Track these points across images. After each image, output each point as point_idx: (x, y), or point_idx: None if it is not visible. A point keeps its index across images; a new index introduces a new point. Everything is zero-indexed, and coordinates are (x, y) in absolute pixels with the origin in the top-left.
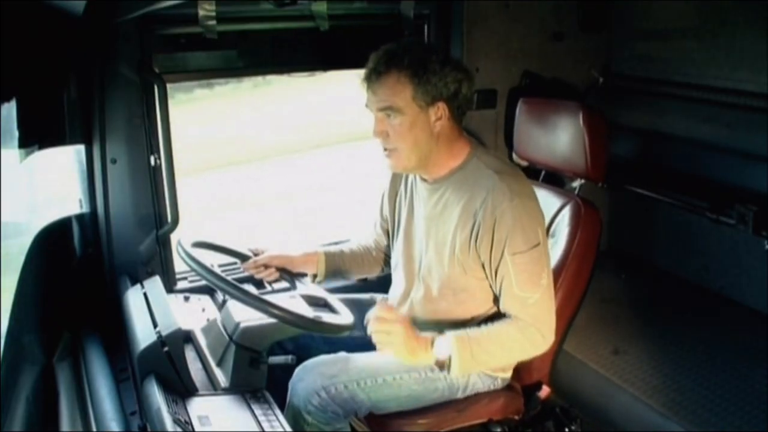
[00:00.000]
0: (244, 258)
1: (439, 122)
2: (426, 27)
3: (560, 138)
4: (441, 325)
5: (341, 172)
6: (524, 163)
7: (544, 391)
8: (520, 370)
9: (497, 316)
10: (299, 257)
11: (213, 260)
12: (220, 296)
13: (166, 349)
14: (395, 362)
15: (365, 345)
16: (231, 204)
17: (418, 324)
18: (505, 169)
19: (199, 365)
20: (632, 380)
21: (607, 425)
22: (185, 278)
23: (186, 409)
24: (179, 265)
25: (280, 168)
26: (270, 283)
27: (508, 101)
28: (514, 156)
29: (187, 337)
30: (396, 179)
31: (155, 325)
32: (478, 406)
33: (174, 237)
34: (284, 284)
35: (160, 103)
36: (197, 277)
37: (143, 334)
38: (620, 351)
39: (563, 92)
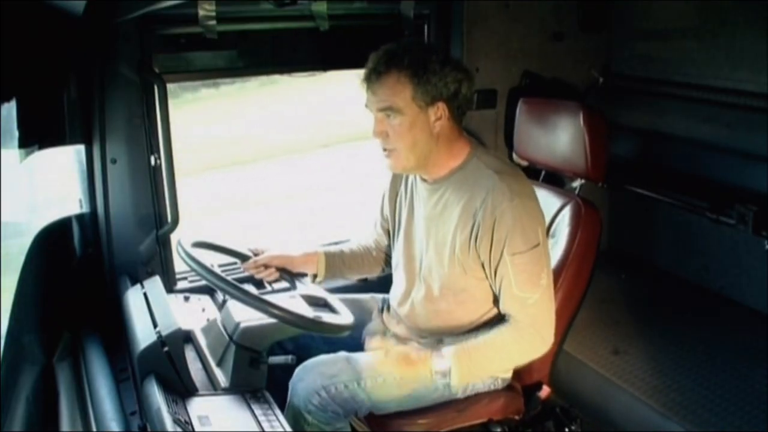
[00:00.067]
0: (244, 258)
1: (438, 122)
2: (426, 27)
3: (560, 138)
4: (442, 325)
5: (341, 172)
6: (524, 163)
7: (545, 391)
8: (520, 370)
9: (498, 316)
10: (299, 257)
11: (213, 260)
12: (220, 296)
13: (166, 349)
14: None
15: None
16: (234, 204)
17: (419, 324)
18: (505, 169)
19: (199, 365)
20: (632, 380)
21: (607, 425)
22: (185, 278)
23: (186, 409)
24: (179, 265)
25: (284, 168)
26: (270, 283)
27: (508, 101)
28: (514, 156)
29: (187, 337)
30: (396, 179)
31: (155, 325)
32: (478, 406)
33: (174, 237)
34: (284, 284)
35: (160, 103)
36: (197, 277)
37: (143, 334)
38: (620, 351)
39: (563, 92)
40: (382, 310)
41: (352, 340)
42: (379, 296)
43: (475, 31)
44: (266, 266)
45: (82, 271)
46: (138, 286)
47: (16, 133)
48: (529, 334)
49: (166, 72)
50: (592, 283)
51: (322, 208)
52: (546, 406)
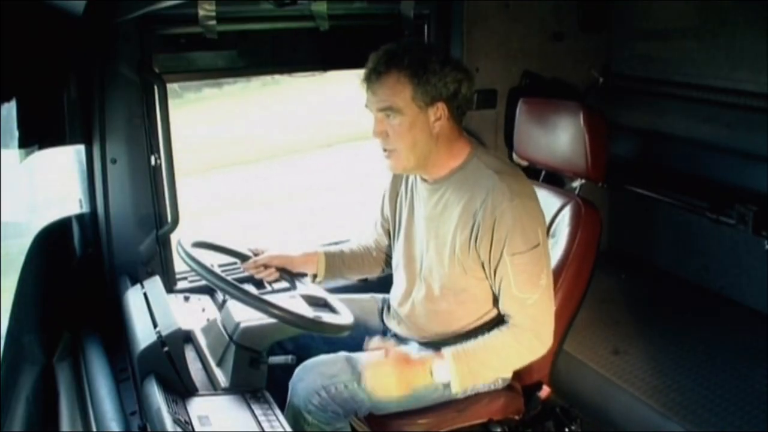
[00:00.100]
0: (244, 258)
1: (438, 122)
2: (426, 27)
3: (560, 138)
4: (442, 325)
5: (342, 172)
6: (524, 163)
7: (545, 391)
8: (520, 370)
9: (499, 316)
10: (299, 257)
11: (213, 260)
12: (220, 296)
13: (166, 349)
14: None
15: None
16: (234, 204)
17: (420, 324)
18: (505, 169)
19: (199, 365)
20: (632, 380)
21: (607, 425)
22: (185, 278)
23: (186, 409)
24: (179, 265)
25: (284, 168)
26: (270, 283)
27: (508, 101)
28: (514, 156)
29: (187, 337)
30: (396, 179)
31: (155, 325)
32: (478, 406)
33: (174, 237)
34: (284, 284)
35: (160, 103)
36: (197, 277)
37: (143, 334)
38: (620, 351)
39: (563, 92)
40: (382, 310)
41: (352, 340)
42: (379, 296)
43: (475, 31)
44: (266, 266)
45: (82, 271)
46: (138, 286)
47: (16, 133)
48: (527, 339)
49: (166, 72)
50: (592, 283)
51: (323, 208)
52: (546, 406)
